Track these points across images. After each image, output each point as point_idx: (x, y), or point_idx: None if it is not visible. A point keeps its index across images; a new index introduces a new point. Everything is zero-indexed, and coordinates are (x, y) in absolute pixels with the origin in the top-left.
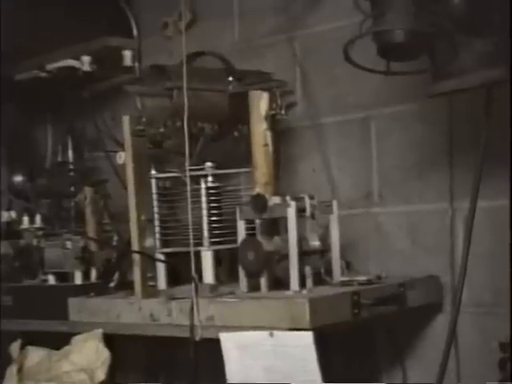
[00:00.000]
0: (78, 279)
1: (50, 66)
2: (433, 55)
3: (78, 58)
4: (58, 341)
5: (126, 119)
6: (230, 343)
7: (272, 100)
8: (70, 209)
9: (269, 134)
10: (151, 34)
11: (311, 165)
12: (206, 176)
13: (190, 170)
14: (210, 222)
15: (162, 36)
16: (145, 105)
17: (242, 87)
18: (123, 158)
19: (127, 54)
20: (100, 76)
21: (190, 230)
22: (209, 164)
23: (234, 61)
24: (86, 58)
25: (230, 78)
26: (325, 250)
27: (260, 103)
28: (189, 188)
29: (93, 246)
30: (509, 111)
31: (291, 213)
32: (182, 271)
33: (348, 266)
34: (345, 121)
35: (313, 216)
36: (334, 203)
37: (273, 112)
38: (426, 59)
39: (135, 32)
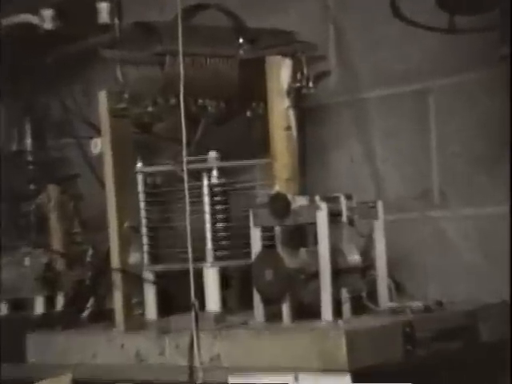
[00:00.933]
0: (40, 307)
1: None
2: (508, 7)
3: (36, 12)
4: None
5: (102, 95)
6: None
7: (296, 68)
8: (29, 214)
9: (292, 113)
10: None
11: (349, 154)
12: (209, 170)
13: (189, 161)
14: (215, 231)
15: None
16: (128, 75)
17: (257, 52)
18: (99, 146)
19: (103, 7)
20: (67, 36)
21: (189, 241)
22: (213, 154)
23: (245, 16)
24: (48, 13)
25: (241, 40)
26: (367, 267)
27: (280, 73)
28: (187, 186)
29: (59, 264)
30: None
31: (322, 218)
32: (177, 296)
33: (398, 288)
34: (393, 95)
35: (351, 222)
36: (380, 205)
37: (298, 84)
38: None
39: None
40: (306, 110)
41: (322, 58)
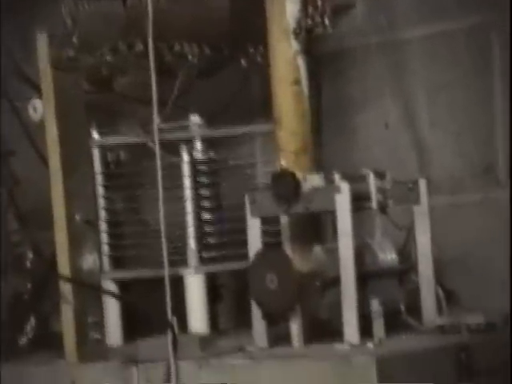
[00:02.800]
0: None
1: None
2: None
3: None
4: None
5: (42, 39)
6: None
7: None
8: None
9: (302, 61)
10: None
11: (381, 116)
12: (190, 141)
13: (162, 130)
14: (200, 224)
15: None
16: (77, 12)
17: None
18: (40, 109)
19: None
20: None
21: (164, 239)
22: (196, 119)
23: None
24: None
25: None
26: (407, 270)
27: (285, 5)
28: (159, 163)
29: None
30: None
31: (343, 203)
32: (149, 313)
33: (450, 298)
34: (443, 33)
35: (383, 209)
36: (423, 184)
37: (309, 21)
38: None
39: None
40: (322, 57)
41: None
